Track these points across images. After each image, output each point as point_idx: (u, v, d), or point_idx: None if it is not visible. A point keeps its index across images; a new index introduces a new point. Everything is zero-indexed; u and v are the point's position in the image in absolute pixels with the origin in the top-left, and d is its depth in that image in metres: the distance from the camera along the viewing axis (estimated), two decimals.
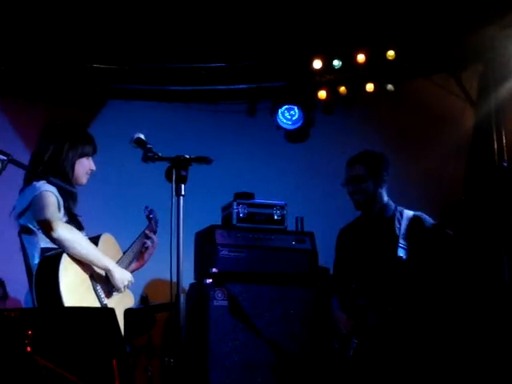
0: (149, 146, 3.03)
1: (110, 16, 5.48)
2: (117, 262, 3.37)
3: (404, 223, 4.07)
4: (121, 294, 3.30)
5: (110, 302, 3.21)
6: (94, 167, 3.45)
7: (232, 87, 6.23)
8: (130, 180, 5.89)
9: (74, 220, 3.25)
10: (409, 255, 3.98)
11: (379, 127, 6.13)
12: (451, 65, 5.82)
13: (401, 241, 4.03)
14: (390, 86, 5.95)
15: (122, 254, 3.52)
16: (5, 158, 2.55)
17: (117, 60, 5.99)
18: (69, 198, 3.24)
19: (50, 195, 3.10)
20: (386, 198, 4.16)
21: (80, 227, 3.29)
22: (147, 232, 3.67)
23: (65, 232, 3.03)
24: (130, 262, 3.55)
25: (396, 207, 4.15)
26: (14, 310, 2.13)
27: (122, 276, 3.26)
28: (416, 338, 3.90)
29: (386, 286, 3.91)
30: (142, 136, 3.11)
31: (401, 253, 3.98)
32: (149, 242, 3.61)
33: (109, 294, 3.23)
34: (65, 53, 5.80)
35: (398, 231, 4.05)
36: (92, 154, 3.46)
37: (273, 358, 4.76)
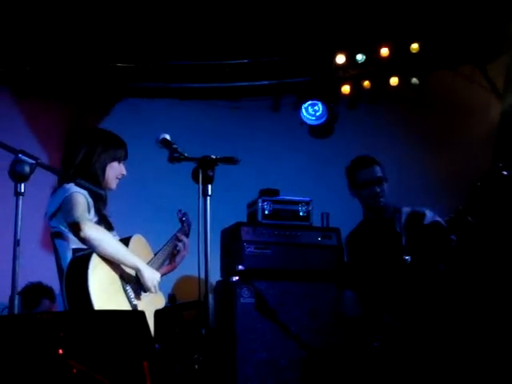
0: (174, 146, 3.02)
1: (129, 15, 5.49)
2: (148, 263, 3.37)
3: (402, 220, 4.04)
4: (151, 295, 3.29)
5: (140, 303, 3.20)
6: (124, 172, 3.46)
7: (255, 83, 6.21)
8: (153, 179, 5.90)
9: (104, 221, 3.27)
10: (411, 256, 3.91)
11: (404, 121, 6.08)
12: (476, 56, 5.76)
13: (403, 239, 3.98)
14: (414, 80, 5.90)
15: (152, 256, 3.51)
16: (33, 161, 2.56)
17: (138, 58, 6.01)
18: (99, 200, 3.25)
19: (80, 196, 3.12)
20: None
21: (110, 228, 3.31)
22: (179, 235, 3.66)
23: (93, 232, 3.03)
24: (161, 264, 3.54)
25: (394, 207, 4.12)
26: (46, 313, 2.16)
27: (151, 276, 3.24)
28: (428, 340, 3.83)
29: (395, 290, 3.86)
30: (168, 136, 3.11)
31: (405, 255, 3.94)
32: (180, 245, 3.61)
33: (137, 295, 3.23)
34: (83, 52, 5.82)
35: (398, 230, 4.01)
36: (124, 158, 3.47)
37: (301, 355, 4.75)
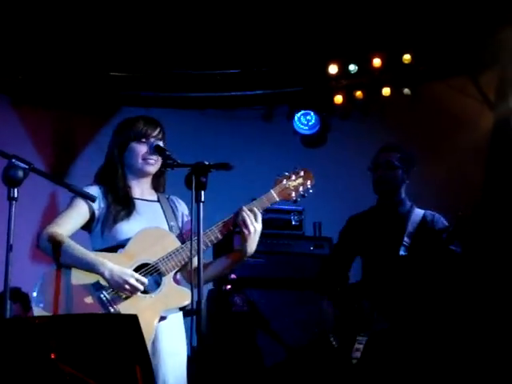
0: (168, 153, 3.01)
1: (124, 24, 5.51)
2: (162, 258, 2.93)
3: (414, 221, 3.95)
4: (164, 292, 2.88)
5: (127, 306, 2.75)
6: (145, 150, 3.04)
7: (248, 93, 6.24)
8: None
9: (123, 204, 3.00)
10: (409, 252, 3.86)
11: (396, 131, 6.10)
12: (468, 67, 5.79)
13: (405, 238, 3.92)
14: (406, 90, 5.94)
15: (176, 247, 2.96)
16: (26, 166, 2.57)
17: (132, 68, 6.03)
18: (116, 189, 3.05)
19: (72, 202, 3.00)
20: (403, 195, 4.08)
21: (127, 214, 3.00)
22: (245, 210, 3.08)
23: (44, 244, 2.86)
24: (185, 259, 2.96)
25: (411, 205, 4.06)
26: (39, 317, 2.15)
27: (116, 275, 2.78)
28: (426, 342, 3.77)
29: (390, 287, 3.79)
30: (161, 143, 3.12)
31: (402, 251, 3.88)
32: (243, 219, 3.04)
33: (118, 300, 2.79)
34: (80, 61, 5.84)
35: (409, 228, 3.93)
36: (142, 135, 3.07)
37: (292, 363, 4.75)
